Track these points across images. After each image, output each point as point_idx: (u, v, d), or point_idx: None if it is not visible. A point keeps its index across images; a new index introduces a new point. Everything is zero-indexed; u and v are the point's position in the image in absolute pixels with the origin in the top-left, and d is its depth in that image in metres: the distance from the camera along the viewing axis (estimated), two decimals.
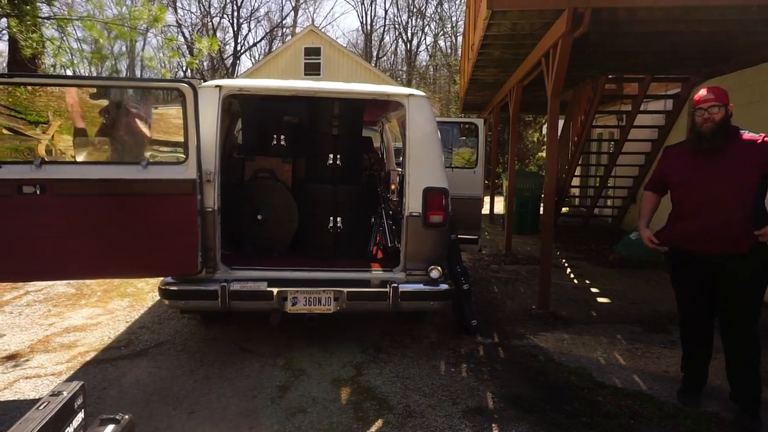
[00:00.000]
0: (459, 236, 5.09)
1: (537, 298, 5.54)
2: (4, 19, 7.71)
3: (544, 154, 19.85)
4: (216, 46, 10.48)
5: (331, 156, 4.61)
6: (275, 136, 4.93)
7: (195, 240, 3.68)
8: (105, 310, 5.26)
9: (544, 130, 20.28)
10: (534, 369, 4.03)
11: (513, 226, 9.07)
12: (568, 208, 13.25)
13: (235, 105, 5.15)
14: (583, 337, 4.74)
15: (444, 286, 4.08)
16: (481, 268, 7.40)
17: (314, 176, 4.68)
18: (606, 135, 12.77)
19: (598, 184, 11.04)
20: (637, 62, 7.44)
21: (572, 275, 7.14)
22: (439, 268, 4.06)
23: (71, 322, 4.89)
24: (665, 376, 3.96)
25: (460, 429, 3.13)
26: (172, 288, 3.85)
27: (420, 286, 4.05)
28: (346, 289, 3.95)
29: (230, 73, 35.26)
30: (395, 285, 3.95)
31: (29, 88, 5.60)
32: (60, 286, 5.99)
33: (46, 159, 4.09)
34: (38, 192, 3.46)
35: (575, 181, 12.11)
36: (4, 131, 5.65)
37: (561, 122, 10.02)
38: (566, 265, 7.75)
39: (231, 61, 36.99)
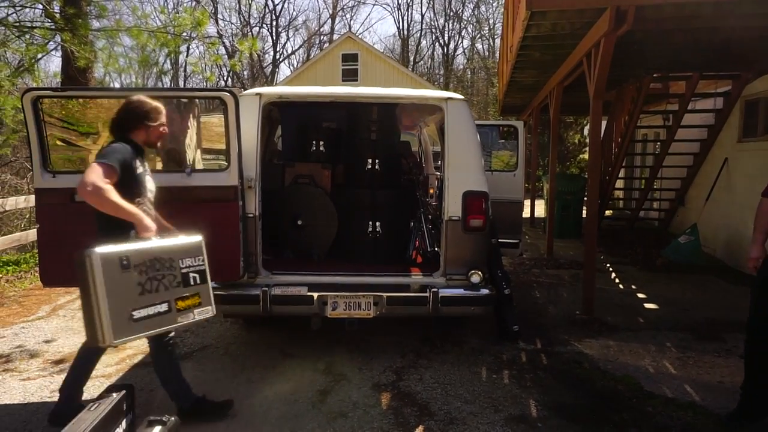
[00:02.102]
0: (499, 240, 5.01)
1: (581, 303, 5.41)
2: (58, 35, 8.10)
3: (585, 156, 19.42)
4: (257, 46, 10.74)
5: (370, 161, 4.61)
6: (314, 141, 4.97)
7: (237, 245, 3.73)
8: None
9: (586, 132, 19.82)
10: (579, 377, 3.92)
11: (554, 230, 8.91)
12: (611, 211, 12.88)
13: (275, 112, 5.23)
14: (630, 345, 4.58)
15: (485, 291, 4.02)
16: (522, 273, 7.28)
17: (353, 181, 4.69)
18: (651, 135, 12.37)
19: (643, 186, 10.69)
20: (685, 60, 7.18)
21: (617, 280, 6.94)
22: (479, 272, 4.00)
23: None
24: (720, 386, 3.78)
25: None
26: (215, 293, 3.87)
27: (460, 291, 4.00)
28: (385, 294, 3.93)
29: (270, 81, 35.95)
30: (435, 290, 3.91)
31: (80, 100, 5.81)
32: None
33: None
34: None
35: (619, 183, 11.76)
36: (58, 142, 5.87)
37: (603, 123, 9.78)
38: (611, 269, 7.55)
39: (270, 69, 37.76)
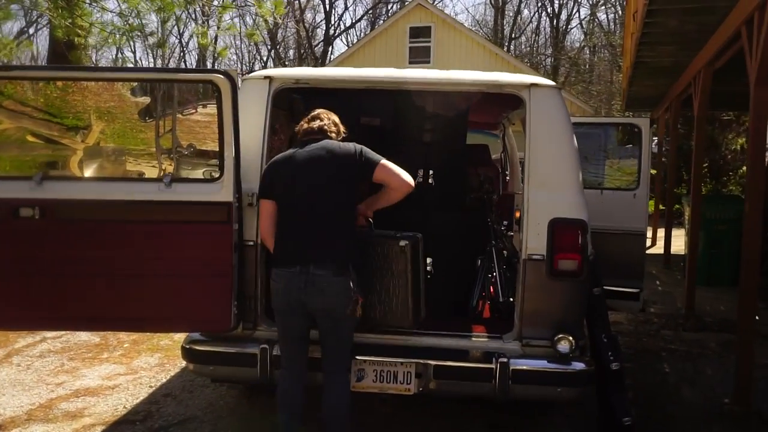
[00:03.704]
0: (610, 290, 4.71)
1: (732, 387, 5.02)
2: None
3: None
4: (282, 9, 10.90)
5: (422, 171, 4.54)
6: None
7: (228, 284, 3.65)
8: (128, 368, 5.44)
9: None
10: None
11: (699, 274, 8.42)
12: None
13: (298, 103, 5.16)
14: None
15: (579, 366, 3.76)
16: (644, 336, 6.95)
17: (410, 190, 4.55)
18: None
19: None
20: None
21: None
22: (570, 337, 3.74)
23: (84, 382, 5.10)
24: None
25: None
26: (197, 348, 3.85)
27: (542, 364, 3.76)
28: (433, 362, 3.75)
29: (320, 62, 36.80)
30: (504, 360, 3.68)
31: (59, 84, 5.96)
32: (83, 334, 6.30)
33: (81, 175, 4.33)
34: (37, 216, 3.60)
35: None
36: (30, 138, 6.03)
37: None
38: None
39: (321, 48, 38.62)
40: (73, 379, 5.15)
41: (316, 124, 3.59)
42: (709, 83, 7.78)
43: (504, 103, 5.51)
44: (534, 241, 3.77)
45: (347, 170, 3.48)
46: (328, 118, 3.64)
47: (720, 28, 6.54)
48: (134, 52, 36.52)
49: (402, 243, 3.63)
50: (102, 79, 4.27)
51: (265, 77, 4.03)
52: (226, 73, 3.59)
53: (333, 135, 3.60)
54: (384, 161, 3.50)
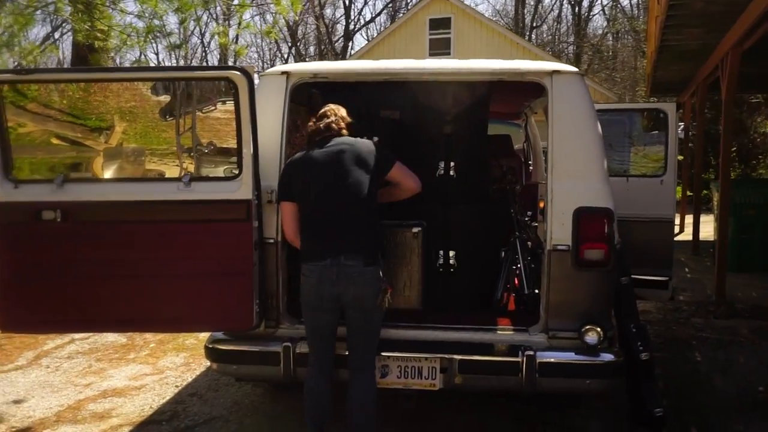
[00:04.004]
0: (638, 278, 4.63)
1: (767, 375, 5.05)
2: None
3: None
4: (299, 6, 10.89)
5: (443, 164, 4.47)
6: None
7: (249, 283, 3.64)
8: (154, 368, 5.46)
9: None
10: None
11: (729, 261, 8.27)
12: None
13: (317, 97, 5.13)
14: None
15: (608, 357, 3.69)
16: (674, 324, 6.85)
17: (418, 192, 4.49)
18: None
19: None
20: None
21: None
22: (598, 329, 3.67)
23: (111, 383, 5.12)
24: None
25: None
26: (220, 347, 3.83)
27: (570, 356, 3.69)
28: (458, 357, 3.70)
29: (341, 58, 36.82)
30: (531, 353, 3.62)
31: (81, 86, 5.98)
32: (110, 335, 6.34)
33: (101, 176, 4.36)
34: (59, 219, 3.61)
35: None
36: (54, 141, 6.08)
37: None
38: None
39: (342, 44, 38.62)
40: (101, 380, 5.18)
41: (324, 122, 3.60)
42: (737, 65, 7.63)
43: (526, 92, 5.42)
44: (559, 231, 3.70)
45: (368, 164, 3.50)
46: (335, 114, 3.65)
47: (749, 6, 6.41)
48: (157, 54, 36.82)
49: (415, 230, 4.04)
50: (119, 79, 4.28)
51: (283, 72, 3.99)
52: (242, 70, 3.56)
53: (344, 131, 3.62)
54: (398, 162, 3.63)
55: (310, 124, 3.67)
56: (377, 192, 3.57)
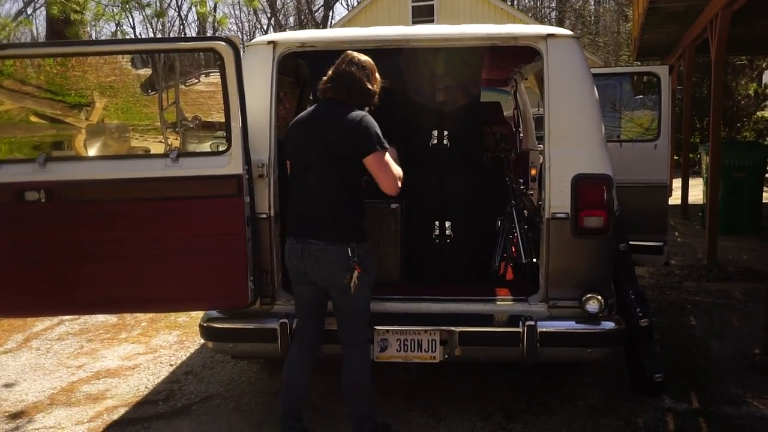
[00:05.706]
0: (633, 244, 4.65)
1: (762, 337, 4.96)
2: None
3: (766, 113, 17.99)
4: None
5: (435, 133, 4.41)
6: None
7: (243, 259, 3.57)
8: (147, 347, 5.39)
9: (766, 78, 18.32)
10: None
11: (719, 223, 8.28)
12: None
13: (303, 68, 5.02)
14: None
15: (608, 325, 3.70)
16: (669, 289, 6.87)
17: (411, 163, 4.41)
18: None
19: None
20: None
21: None
22: (599, 296, 3.66)
23: (104, 363, 5.06)
24: None
25: None
26: (215, 325, 3.80)
27: (570, 325, 3.70)
28: (457, 329, 3.68)
29: (321, 27, 36.40)
30: (531, 323, 3.61)
31: (59, 60, 5.79)
32: (99, 315, 6.25)
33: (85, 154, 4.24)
34: (43, 199, 3.51)
35: None
36: (33, 119, 5.91)
37: None
38: None
39: (322, 13, 38.11)
40: (93, 361, 5.12)
41: (332, 84, 3.42)
42: (727, 26, 7.55)
43: (515, 58, 5.35)
44: (557, 198, 3.66)
45: (347, 143, 3.30)
46: (346, 79, 3.40)
47: None
48: (133, 27, 36.13)
49: (393, 206, 4.17)
50: (99, 53, 4.14)
51: (269, 42, 3.88)
52: (228, 40, 3.45)
53: (350, 101, 3.41)
54: (379, 154, 3.28)
55: (325, 77, 3.46)
56: (358, 171, 3.36)
